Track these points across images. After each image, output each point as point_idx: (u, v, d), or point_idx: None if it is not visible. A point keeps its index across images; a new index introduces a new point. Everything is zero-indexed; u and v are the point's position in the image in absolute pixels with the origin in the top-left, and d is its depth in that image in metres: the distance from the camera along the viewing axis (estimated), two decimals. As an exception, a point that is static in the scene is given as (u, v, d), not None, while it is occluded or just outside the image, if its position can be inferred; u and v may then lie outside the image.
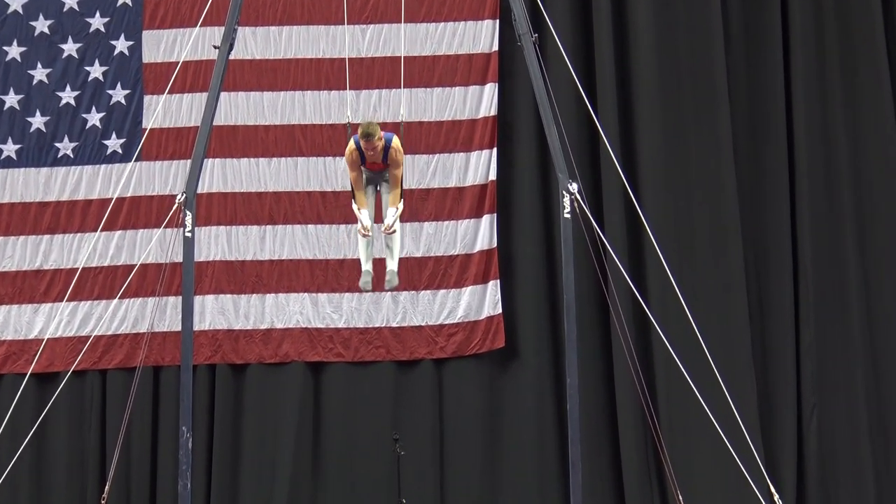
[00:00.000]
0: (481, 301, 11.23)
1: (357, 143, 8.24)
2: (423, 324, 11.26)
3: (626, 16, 11.51)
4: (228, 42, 8.69)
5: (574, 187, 8.39)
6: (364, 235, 8.49)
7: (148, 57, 11.55)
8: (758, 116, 11.54)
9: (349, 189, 8.75)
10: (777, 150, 11.45)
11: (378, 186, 8.60)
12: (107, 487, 9.01)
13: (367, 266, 8.59)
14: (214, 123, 9.07)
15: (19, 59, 11.56)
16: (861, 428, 11.09)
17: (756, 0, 11.63)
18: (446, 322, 11.25)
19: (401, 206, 8.45)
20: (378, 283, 8.67)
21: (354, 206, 8.46)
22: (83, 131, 11.49)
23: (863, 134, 11.47)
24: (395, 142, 8.31)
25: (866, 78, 11.48)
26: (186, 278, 8.53)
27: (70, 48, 11.56)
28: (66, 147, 11.48)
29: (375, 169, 8.48)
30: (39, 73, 11.55)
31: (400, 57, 10.62)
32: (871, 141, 11.45)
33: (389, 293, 11.13)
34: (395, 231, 8.49)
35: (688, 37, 11.49)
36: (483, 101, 11.41)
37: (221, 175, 11.44)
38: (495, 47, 11.45)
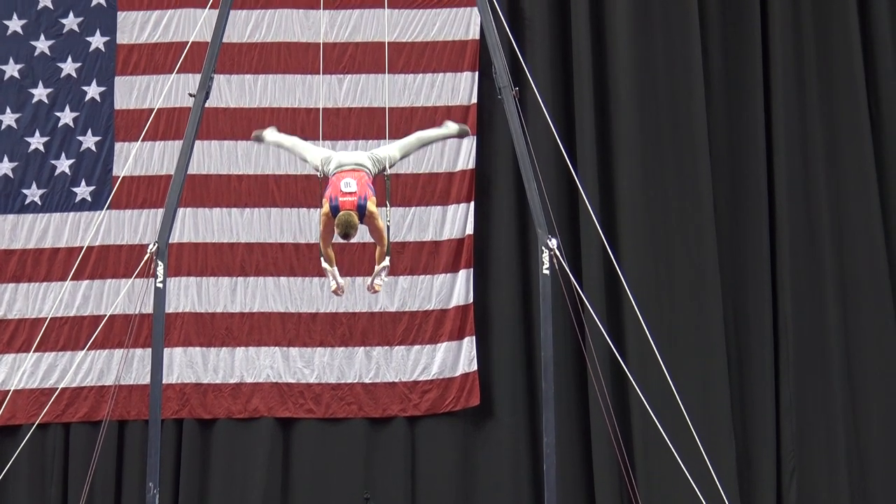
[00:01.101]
0: (456, 358, 11.07)
1: (333, 209, 8.01)
2: (396, 380, 11.09)
3: (607, 70, 11.47)
4: (205, 90, 8.60)
5: (553, 243, 8.34)
6: (338, 294, 8.35)
7: (120, 103, 11.41)
8: (738, 172, 11.50)
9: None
10: (758, 207, 11.39)
11: None
12: (69, 546, 8.81)
13: None
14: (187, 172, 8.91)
15: (-13, 104, 11.42)
16: (842, 491, 10.94)
17: (737, 53, 11.62)
18: (420, 379, 11.09)
19: (387, 261, 8.28)
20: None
21: (324, 263, 8.27)
22: (52, 178, 11.32)
23: (844, 189, 11.43)
24: (370, 205, 8.05)
25: (848, 132, 11.47)
26: (157, 330, 8.39)
27: (40, 93, 11.40)
28: (33, 194, 11.29)
29: None
30: (8, 118, 11.37)
31: (376, 108, 10.59)
32: (853, 196, 11.41)
33: (363, 348, 11.07)
34: (378, 290, 8.39)
35: (668, 90, 11.45)
36: (461, 153, 11.31)
37: (193, 225, 11.28)
38: (474, 100, 11.36)
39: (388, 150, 8.48)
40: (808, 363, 11.15)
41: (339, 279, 8.25)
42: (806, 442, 11.05)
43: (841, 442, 11.01)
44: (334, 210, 7.98)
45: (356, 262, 10.93)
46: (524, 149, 8.50)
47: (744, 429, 11.10)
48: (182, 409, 11.06)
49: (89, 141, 11.37)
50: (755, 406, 11.15)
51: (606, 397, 9.67)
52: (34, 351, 10.55)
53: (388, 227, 8.32)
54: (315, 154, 8.45)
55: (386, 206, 8.37)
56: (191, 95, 8.71)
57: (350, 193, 7.98)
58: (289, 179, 11.35)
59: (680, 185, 11.34)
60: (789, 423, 11.06)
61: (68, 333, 11.05)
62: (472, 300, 11.16)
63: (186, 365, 11.10)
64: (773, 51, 11.58)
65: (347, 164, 8.21)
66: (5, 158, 11.33)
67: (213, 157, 11.36)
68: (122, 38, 11.48)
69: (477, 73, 11.40)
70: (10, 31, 11.45)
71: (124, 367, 10.79)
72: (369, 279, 8.38)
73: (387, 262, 8.25)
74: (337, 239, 8.18)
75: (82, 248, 10.50)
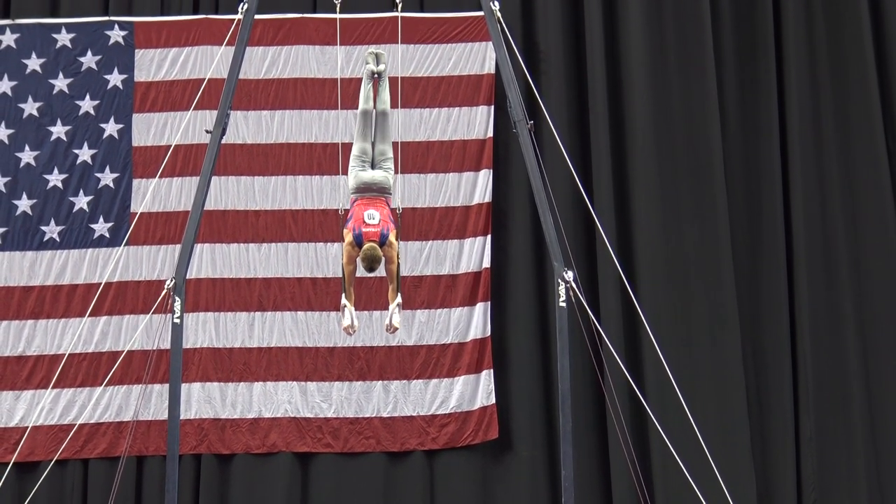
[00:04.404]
0: (474, 391, 11.04)
1: (357, 240, 8.13)
2: (414, 414, 11.07)
3: (623, 103, 11.49)
4: (221, 126, 8.64)
5: (569, 275, 8.31)
6: (349, 333, 8.42)
7: (137, 140, 11.47)
8: (755, 205, 11.47)
9: (340, 275, 8.59)
10: (775, 239, 11.37)
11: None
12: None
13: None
14: (204, 208, 8.93)
15: (7, 142, 11.46)
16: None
17: (752, 86, 11.63)
18: (438, 412, 11.06)
19: (399, 298, 8.36)
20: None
21: (343, 299, 8.33)
22: (70, 215, 11.37)
23: (862, 223, 11.40)
24: (391, 237, 8.22)
25: (865, 167, 11.45)
26: (174, 366, 8.38)
27: (59, 131, 11.48)
28: (52, 230, 11.34)
29: None
30: (27, 156, 11.45)
31: (392, 142, 10.57)
32: (871, 230, 11.38)
33: (381, 382, 11.07)
34: (397, 329, 8.45)
35: (684, 124, 11.46)
36: (477, 187, 11.34)
37: (210, 260, 11.31)
38: (490, 133, 11.39)
39: (390, 164, 8.58)
40: (828, 396, 11.09)
41: (355, 318, 8.31)
42: (827, 475, 10.97)
43: (862, 474, 10.93)
44: (357, 239, 8.12)
45: (374, 296, 10.94)
46: (540, 182, 8.50)
47: (764, 462, 11.02)
48: (200, 445, 11.05)
49: (107, 178, 11.43)
50: (775, 439, 11.08)
51: (625, 430, 9.63)
52: (53, 387, 10.56)
53: (399, 265, 8.37)
54: (354, 151, 8.55)
55: (397, 253, 8.42)
56: (207, 132, 8.73)
57: (373, 225, 8.13)
58: (306, 214, 11.38)
59: (697, 218, 11.31)
60: (810, 457, 10.99)
61: (87, 369, 11.06)
62: (489, 333, 11.15)
63: (204, 400, 11.10)
64: (788, 84, 11.58)
65: (371, 184, 8.32)
66: (24, 196, 11.40)
67: (230, 193, 11.40)
68: (140, 75, 11.56)
69: (493, 106, 11.43)
70: (29, 70, 11.54)
71: (142, 402, 10.81)
72: (386, 318, 8.41)
73: (399, 299, 8.32)
74: (360, 271, 8.25)
75: (100, 284, 10.51)
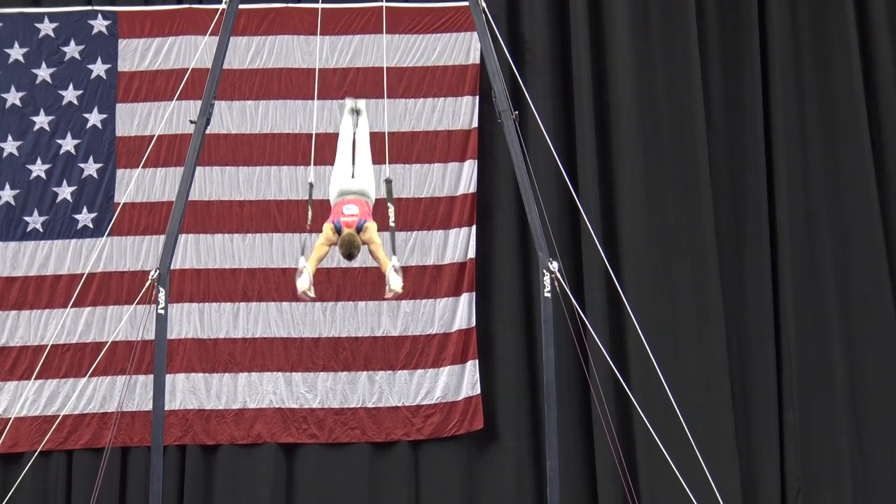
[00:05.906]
0: (459, 381, 11.05)
1: (337, 228, 8.19)
2: (399, 404, 11.07)
3: (608, 94, 11.49)
4: (206, 116, 8.63)
5: (554, 266, 8.36)
6: (303, 299, 8.40)
7: (121, 130, 11.43)
8: (739, 196, 11.49)
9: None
10: (759, 231, 11.39)
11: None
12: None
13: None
14: (188, 198, 8.92)
15: (-11, 132, 11.44)
16: (847, 513, 10.93)
17: (737, 77, 11.64)
18: (423, 403, 11.07)
19: (395, 261, 8.14)
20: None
21: (303, 261, 8.26)
22: (53, 205, 11.32)
23: (846, 214, 11.42)
24: (368, 223, 8.25)
25: (849, 157, 11.46)
26: (158, 356, 8.40)
27: (42, 121, 11.43)
28: (35, 221, 11.30)
29: None
30: (10, 146, 11.39)
31: (377, 132, 10.57)
32: (855, 221, 11.40)
33: (366, 372, 11.05)
34: (398, 291, 8.14)
35: (669, 114, 11.46)
36: (462, 178, 11.33)
37: (195, 251, 11.29)
38: (475, 124, 11.39)
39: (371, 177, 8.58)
40: (812, 387, 11.11)
41: (312, 284, 8.19)
42: (810, 465, 11.00)
43: (845, 465, 10.97)
44: (337, 226, 8.21)
45: (358, 286, 10.98)
46: (524, 172, 8.53)
47: (748, 452, 11.05)
48: (185, 436, 11.04)
49: (91, 168, 11.39)
50: (759, 430, 11.11)
51: (609, 421, 9.67)
52: (36, 378, 10.53)
53: (393, 231, 8.38)
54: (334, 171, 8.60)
55: (390, 218, 8.44)
56: (192, 122, 8.75)
57: (352, 215, 8.22)
58: (290, 205, 11.35)
59: (682, 207, 11.33)
60: (794, 447, 11.02)
61: (70, 360, 11.03)
62: (474, 324, 11.15)
63: (189, 391, 11.09)
64: (772, 75, 11.59)
65: (350, 191, 8.38)
66: (7, 186, 11.35)
67: (214, 184, 11.38)
68: (124, 65, 11.52)
69: (478, 97, 11.42)
70: (11, 60, 11.49)
71: (127, 393, 10.79)
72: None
73: (395, 262, 8.12)
74: (341, 262, 8.26)
75: (84, 274, 10.50)
